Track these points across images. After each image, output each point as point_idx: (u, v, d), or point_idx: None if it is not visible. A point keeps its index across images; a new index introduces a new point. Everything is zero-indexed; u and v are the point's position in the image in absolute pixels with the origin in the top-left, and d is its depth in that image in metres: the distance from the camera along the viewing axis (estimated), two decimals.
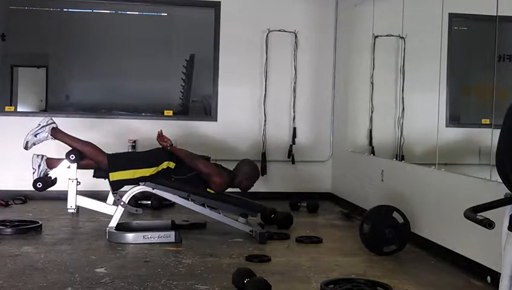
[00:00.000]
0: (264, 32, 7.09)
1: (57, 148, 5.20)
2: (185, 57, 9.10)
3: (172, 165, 4.95)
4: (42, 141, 4.90)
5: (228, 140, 7.04)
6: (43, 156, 4.89)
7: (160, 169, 4.91)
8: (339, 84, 7.18)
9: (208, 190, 4.98)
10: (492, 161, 2.85)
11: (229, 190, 5.15)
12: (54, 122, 4.96)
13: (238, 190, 5.21)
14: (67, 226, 5.35)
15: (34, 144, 4.88)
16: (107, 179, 4.89)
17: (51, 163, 4.91)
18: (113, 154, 4.98)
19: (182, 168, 4.96)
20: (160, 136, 5.01)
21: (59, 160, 4.92)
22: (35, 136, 4.87)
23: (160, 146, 5.03)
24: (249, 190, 5.23)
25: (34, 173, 4.83)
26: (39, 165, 4.83)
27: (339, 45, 7.20)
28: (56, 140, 4.93)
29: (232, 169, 5.17)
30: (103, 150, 4.97)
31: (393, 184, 5.33)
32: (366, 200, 5.86)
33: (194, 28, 8.75)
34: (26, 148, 4.86)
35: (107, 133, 6.65)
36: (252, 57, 7.11)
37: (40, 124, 4.92)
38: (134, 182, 4.88)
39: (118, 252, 4.38)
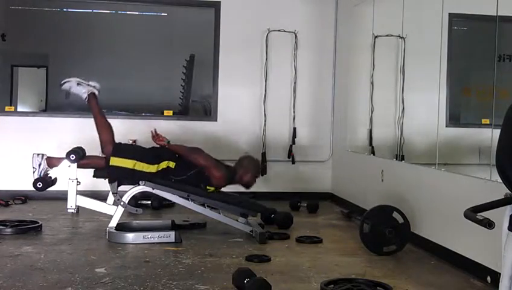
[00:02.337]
0: (264, 32, 7.09)
1: (57, 148, 5.20)
2: (185, 57, 9.09)
3: (172, 164, 4.92)
4: (77, 93, 5.01)
5: (228, 140, 7.03)
6: (43, 155, 4.89)
7: (160, 168, 4.89)
8: (339, 84, 7.17)
9: (208, 188, 4.94)
10: (492, 161, 2.85)
11: (230, 189, 5.14)
12: (98, 92, 5.05)
13: (242, 189, 5.20)
14: (67, 226, 5.35)
15: (70, 89, 5.01)
16: (106, 179, 4.91)
17: (52, 162, 4.90)
18: (120, 143, 5.00)
19: (181, 168, 4.93)
20: (155, 135, 4.98)
21: (59, 159, 4.92)
22: (78, 85, 4.99)
23: (158, 146, 5.02)
24: (251, 187, 5.17)
25: (34, 172, 4.82)
26: (39, 164, 4.83)
27: (339, 44, 7.19)
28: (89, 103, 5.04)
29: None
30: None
31: (393, 184, 5.33)
32: (366, 200, 5.86)
33: (194, 28, 8.74)
34: (61, 85, 5.01)
35: None
36: (252, 57, 7.10)
37: (90, 81, 5.03)
38: (133, 177, 4.85)
39: (118, 252, 4.38)
